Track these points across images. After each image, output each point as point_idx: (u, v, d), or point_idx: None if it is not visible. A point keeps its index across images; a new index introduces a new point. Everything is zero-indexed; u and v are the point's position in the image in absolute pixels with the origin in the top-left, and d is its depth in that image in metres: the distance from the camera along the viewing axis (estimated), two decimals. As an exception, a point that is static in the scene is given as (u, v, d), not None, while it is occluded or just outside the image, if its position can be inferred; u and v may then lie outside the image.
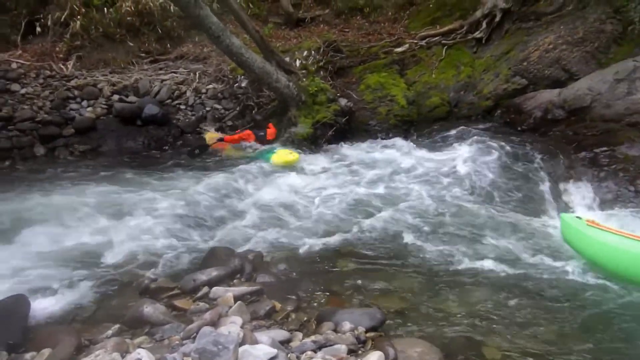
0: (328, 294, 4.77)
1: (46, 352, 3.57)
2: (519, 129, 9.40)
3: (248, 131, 9.86)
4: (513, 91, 10.18)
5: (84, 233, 6.01)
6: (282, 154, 8.90)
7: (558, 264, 5.47)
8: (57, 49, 12.03)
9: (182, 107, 11.17)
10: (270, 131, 9.81)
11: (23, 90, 10.61)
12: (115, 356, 3.16)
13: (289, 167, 8.56)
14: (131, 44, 12.50)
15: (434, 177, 7.90)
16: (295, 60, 11.35)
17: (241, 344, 3.40)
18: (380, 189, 7.59)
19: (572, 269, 5.33)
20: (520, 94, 10.06)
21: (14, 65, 11.22)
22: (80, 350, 3.61)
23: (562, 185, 7.49)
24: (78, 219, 6.34)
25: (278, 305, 4.38)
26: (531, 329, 4.23)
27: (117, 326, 4.01)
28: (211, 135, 10.25)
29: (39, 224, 6.10)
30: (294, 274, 5.13)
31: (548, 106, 9.27)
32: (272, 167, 8.59)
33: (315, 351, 3.56)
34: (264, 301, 4.43)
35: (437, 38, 11.93)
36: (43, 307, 4.35)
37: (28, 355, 3.58)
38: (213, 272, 4.75)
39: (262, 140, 9.66)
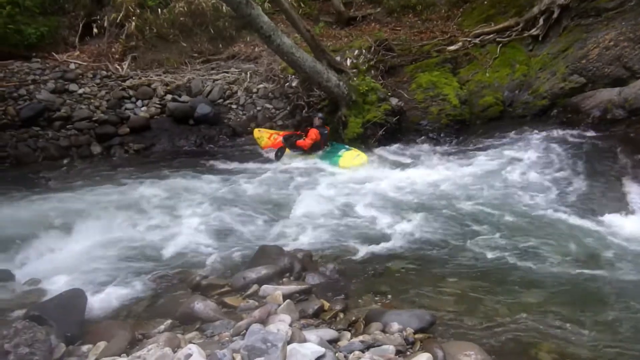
0: (377, 294, 4.70)
1: (102, 345, 3.64)
2: (577, 129, 9.04)
3: (314, 130, 9.36)
4: (570, 90, 9.80)
5: (138, 230, 6.17)
6: (349, 157, 8.72)
7: (618, 267, 5.20)
8: (113, 49, 12.47)
9: (234, 106, 11.34)
10: (310, 137, 9.33)
11: (81, 90, 11.05)
12: (167, 351, 3.17)
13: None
14: (184, 44, 12.79)
15: (489, 178, 7.69)
16: (346, 59, 11.30)
17: (289, 342, 3.38)
18: (434, 190, 7.43)
19: (635, 272, 5.05)
20: (578, 93, 9.69)
21: (72, 66, 11.70)
22: (134, 344, 3.68)
23: (622, 186, 7.15)
24: (132, 216, 6.53)
25: (326, 305, 4.34)
26: (587, 335, 4.03)
27: (169, 321, 4.07)
28: (260, 134, 10.17)
29: (95, 220, 6.31)
30: (343, 274, 5.06)
31: (608, 106, 8.89)
32: (335, 169, 8.44)
33: (363, 351, 3.51)
34: (312, 300, 4.41)
35: (491, 36, 11.64)
36: (99, 301, 4.46)
37: (84, 348, 3.66)
38: (262, 271, 4.75)
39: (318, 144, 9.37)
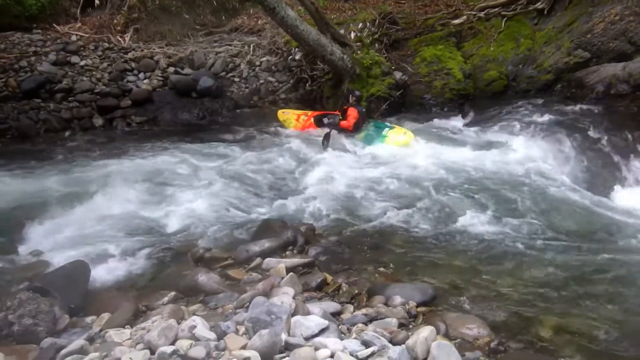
0: (379, 268, 4.72)
1: (105, 316, 3.69)
2: (581, 103, 8.93)
3: (353, 109, 8.57)
4: (575, 65, 9.65)
5: (141, 202, 6.17)
6: (396, 135, 8.27)
7: (620, 241, 5.25)
8: (115, 21, 12.31)
9: (236, 79, 11.25)
10: (353, 116, 8.59)
11: (82, 63, 10.96)
12: (171, 322, 3.21)
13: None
14: (187, 16, 12.63)
15: (491, 152, 7.66)
16: (350, 32, 11.12)
17: (293, 314, 3.43)
18: (436, 165, 7.38)
19: (634, 247, 5.07)
20: (582, 67, 9.52)
21: (73, 38, 11.57)
22: (138, 316, 3.72)
23: (625, 162, 7.19)
24: (135, 189, 6.51)
25: (329, 278, 4.38)
26: (589, 310, 4.05)
27: (173, 293, 4.10)
28: (286, 115, 9.51)
29: (98, 192, 6.29)
30: (346, 247, 5.09)
31: (612, 80, 8.77)
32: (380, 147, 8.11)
33: (366, 324, 3.56)
34: (315, 273, 4.45)
35: (496, 9, 11.38)
36: (102, 273, 4.49)
37: (88, 319, 3.71)
38: (266, 244, 4.79)
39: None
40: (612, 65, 9.09)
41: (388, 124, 8.77)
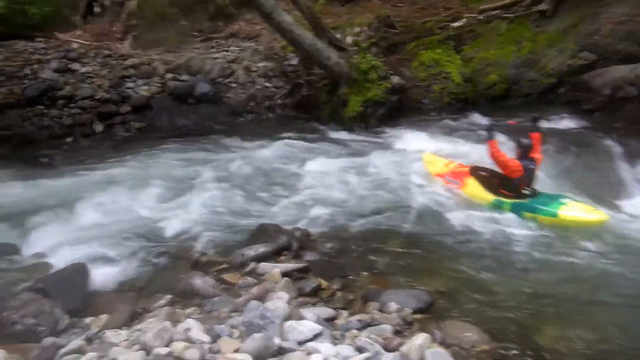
0: (374, 273, 4.74)
1: (104, 317, 3.78)
2: (586, 107, 8.89)
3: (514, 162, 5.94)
4: (579, 67, 9.65)
5: (139, 207, 6.25)
6: (578, 209, 5.72)
7: (622, 249, 5.15)
8: (114, 28, 12.39)
9: (233, 85, 11.30)
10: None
11: (83, 70, 11.02)
12: (166, 325, 3.25)
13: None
14: (184, 22, 12.67)
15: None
16: (346, 37, 11.19)
17: (287, 319, 3.45)
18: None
19: (638, 255, 5.01)
20: (587, 70, 9.51)
21: (74, 45, 11.64)
22: (135, 318, 3.79)
23: (634, 168, 7.00)
24: (134, 193, 6.59)
25: (324, 283, 4.40)
26: (589, 317, 4.05)
27: (169, 296, 4.16)
28: (432, 158, 7.46)
29: (98, 197, 6.39)
30: (341, 253, 5.12)
31: (619, 83, 8.73)
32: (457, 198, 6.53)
33: (360, 330, 3.56)
34: (310, 278, 4.46)
35: (497, 12, 11.39)
36: (101, 275, 4.56)
37: (87, 320, 3.79)
38: (261, 248, 4.82)
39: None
40: (620, 67, 9.01)
41: (566, 195, 6.12)
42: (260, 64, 11.67)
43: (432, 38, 11.13)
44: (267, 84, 11.34)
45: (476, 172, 6.64)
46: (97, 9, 12.80)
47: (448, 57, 10.62)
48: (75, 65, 11.04)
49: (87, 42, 11.85)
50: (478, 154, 7.24)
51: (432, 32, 11.34)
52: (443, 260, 5.07)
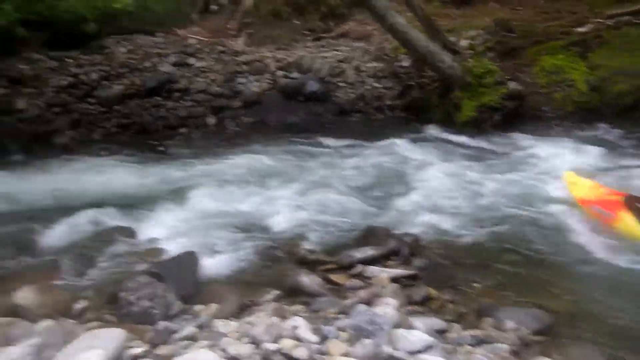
0: (488, 287, 4.43)
1: (214, 306, 3.80)
2: None
3: None
4: None
5: (248, 200, 6.33)
6: None
7: None
8: (229, 26, 12.90)
9: (342, 84, 11.26)
10: None
11: (198, 64, 11.54)
12: (274, 320, 3.23)
13: None
14: (297, 22, 12.92)
15: (616, 173, 6.98)
16: (461, 40, 10.82)
17: (396, 326, 3.29)
18: (554, 183, 6.76)
19: None
20: None
21: (191, 41, 12.25)
22: (243, 310, 3.79)
23: None
24: (242, 187, 6.69)
25: (434, 293, 4.19)
26: None
27: (276, 292, 4.13)
28: (576, 179, 6.42)
29: (208, 187, 6.55)
30: (452, 262, 4.85)
31: None
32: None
33: (474, 346, 3.33)
34: (419, 286, 4.26)
35: (627, 17, 10.59)
36: (209, 265, 4.63)
37: (197, 307, 3.83)
38: (369, 251, 4.68)
39: None
40: None
41: None
42: (370, 65, 11.58)
43: (554, 43, 10.46)
44: (377, 85, 11.19)
45: (633, 203, 5.40)
46: (213, 7, 13.44)
47: (572, 63, 9.92)
48: (191, 60, 11.59)
49: (204, 38, 12.42)
50: (627, 175, 6.65)
51: (554, 37, 10.69)
52: (566, 283, 4.61)
